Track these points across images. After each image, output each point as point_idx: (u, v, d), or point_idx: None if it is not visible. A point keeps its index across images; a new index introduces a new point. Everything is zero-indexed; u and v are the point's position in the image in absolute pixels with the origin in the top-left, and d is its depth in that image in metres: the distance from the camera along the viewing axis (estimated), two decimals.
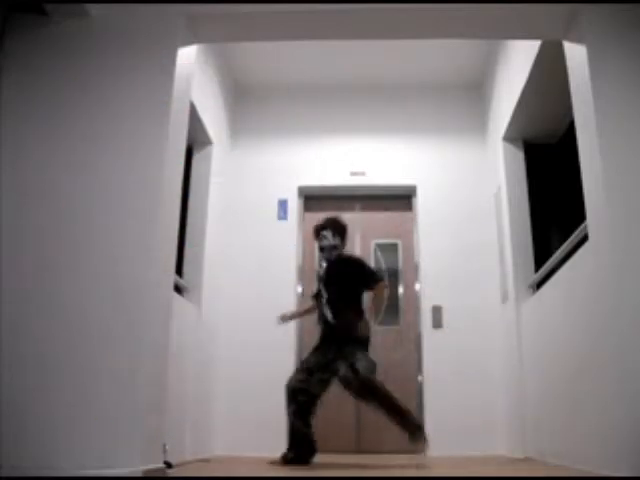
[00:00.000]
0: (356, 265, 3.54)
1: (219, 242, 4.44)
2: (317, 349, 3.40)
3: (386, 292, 3.78)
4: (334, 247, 3.51)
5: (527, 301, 3.95)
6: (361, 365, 3.16)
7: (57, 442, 2.17)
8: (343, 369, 3.17)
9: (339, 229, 3.55)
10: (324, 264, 3.62)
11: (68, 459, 2.14)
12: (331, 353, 3.28)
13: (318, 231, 3.56)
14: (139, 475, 2.12)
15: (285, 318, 3.76)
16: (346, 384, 3.17)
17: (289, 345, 4.53)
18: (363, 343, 3.30)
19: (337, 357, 3.24)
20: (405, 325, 4.68)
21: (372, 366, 3.21)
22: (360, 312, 3.41)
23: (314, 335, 4.65)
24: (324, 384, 3.28)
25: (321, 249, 3.58)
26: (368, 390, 3.15)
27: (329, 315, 3.37)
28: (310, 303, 3.77)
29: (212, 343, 4.25)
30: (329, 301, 3.40)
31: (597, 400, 2.58)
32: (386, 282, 3.77)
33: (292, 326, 4.57)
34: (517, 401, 3.93)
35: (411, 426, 3.12)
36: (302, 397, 3.25)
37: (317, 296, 3.58)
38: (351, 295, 3.43)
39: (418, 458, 3.08)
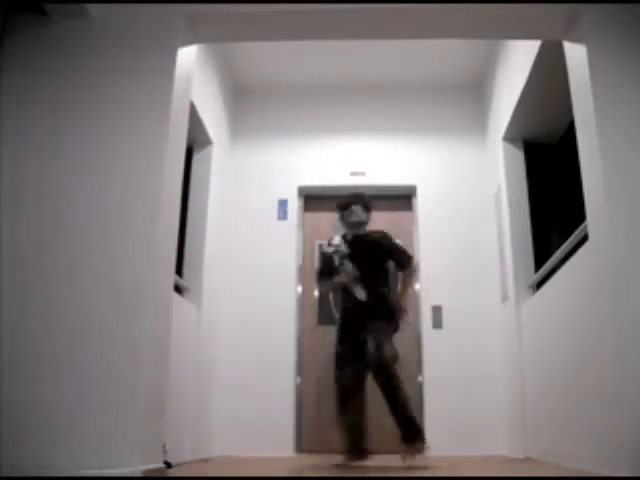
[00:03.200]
0: (387, 242, 3.43)
1: (219, 242, 4.44)
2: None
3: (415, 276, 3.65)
4: (363, 223, 3.36)
5: (527, 301, 3.95)
6: (387, 349, 3.12)
7: (57, 442, 2.17)
8: (372, 348, 3.09)
9: (368, 206, 3.42)
10: (336, 241, 3.41)
11: (68, 459, 2.14)
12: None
13: (347, 205, 3.38)
14: (139, 475, 2.12)
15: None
16: (371, 364, 3.09)
17: (289, 345, 4.53)
18: (394, 327, 3.27)
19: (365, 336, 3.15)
20: (405, 325, 4.66)
21: (396, 354, 3.17)
22: (388, 293, 3.35)
23: (314, 336, 4.66)
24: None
25: (349, 225, 3.39)
26: (386, 376, 3.08)
27: (361, 294, 3.25)
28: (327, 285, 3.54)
29: (212, 343, 4.25)
30: (362, 279, 3.26)
31: (597, 400, 2.58)
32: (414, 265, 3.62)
33: (292, 326, 4.58)
34: (517, 401, 3.93)
35: (412, 431, 3.07)
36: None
37: (331, 274, 3.38)
38: (382, 274, 3.34)
39: (417, 459, 3.08)
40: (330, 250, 3.37)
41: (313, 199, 5.00)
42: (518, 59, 3.82)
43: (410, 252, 3.56)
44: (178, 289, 3.66)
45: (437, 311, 4.53)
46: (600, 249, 2.49)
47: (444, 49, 4.53)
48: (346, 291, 3.35)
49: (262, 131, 5.01)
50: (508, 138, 4.29)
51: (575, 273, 3.03)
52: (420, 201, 4.82)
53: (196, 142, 4.25)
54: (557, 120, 3.97)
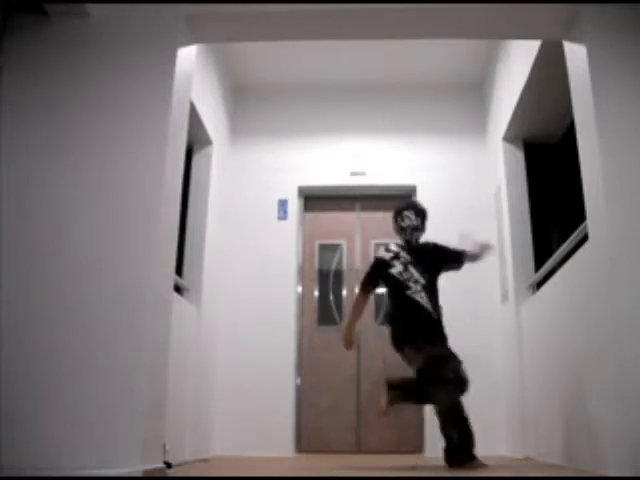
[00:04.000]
0: (439, 248, 3.35)
1: (219, 242, 4.44)
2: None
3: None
4: (416, 228, 3.31)
5: (527, 301, 3.95)
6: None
7: (57, 442, 2.17)
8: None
9: (420, 212, 3.40)
10: (393, 247, 3.32)
11: (68, 459, 2.14)
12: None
13: (400, 211, 3.39)
14: (139, 475, 2.12)
15: (350, 341, 3.27)
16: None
17: (289, 345, 4.53)
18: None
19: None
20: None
21: None
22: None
23: (314, 336, 4.67)
24: None
25: (401, 229, 3.33)
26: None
27: (429, 305, 3.13)
28: (362, 299, 3.34)
29: (212, 343, 4.25)
30: (425, 288, 3.14)
31: (596, 400, 2.58)
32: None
33: (292, 326, 4.57)
34: (517, 401, 3.93)
35: None
36: None
37: (393, 283, 3.22)
38: (436, 285, 3.25)
39: (417, 459, 3.08)
40: (388, 256, 3.28)
41: (313, 199, 5.00)
42: (518, 59, 3.82)
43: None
44: (178, 289, 3.66)
45: None
46: (600, 249, 2.49)
47: (444, 49, 4.53)
48: (406, 298, 3.17)
49: (262, 131, 5.01)
50: (508, 138, 4.29)
51: (575, 273, 3.03)
52: (420, 201, 4.81)
53: (196, 142, 4.25)
54: (557, 120, 3.97)
